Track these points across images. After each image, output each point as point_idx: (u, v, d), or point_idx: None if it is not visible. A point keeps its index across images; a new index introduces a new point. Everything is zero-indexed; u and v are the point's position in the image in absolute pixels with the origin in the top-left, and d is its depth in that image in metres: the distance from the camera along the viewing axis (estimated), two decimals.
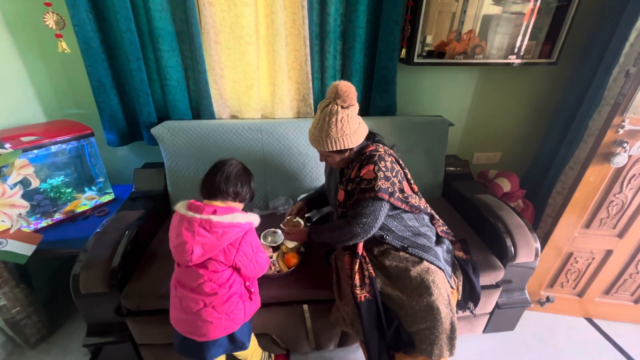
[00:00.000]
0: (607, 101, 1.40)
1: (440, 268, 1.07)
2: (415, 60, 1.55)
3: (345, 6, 1.45)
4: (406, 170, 1.16)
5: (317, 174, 1.59)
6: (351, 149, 1.08)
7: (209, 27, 1.38)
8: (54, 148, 1.29)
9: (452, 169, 1.75)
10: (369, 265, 1.11)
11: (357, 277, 1.08)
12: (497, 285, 1.30)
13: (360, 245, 1.13)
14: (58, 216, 1.36)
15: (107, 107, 1.45)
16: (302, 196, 1.56)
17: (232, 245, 0.89)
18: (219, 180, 0.92)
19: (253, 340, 1.12)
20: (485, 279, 1.25)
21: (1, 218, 1.02)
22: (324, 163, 1.53)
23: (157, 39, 1.37)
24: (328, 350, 1.33)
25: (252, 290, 0.99)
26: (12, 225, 1.06)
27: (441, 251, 1.16)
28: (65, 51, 1.27)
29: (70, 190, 1.41)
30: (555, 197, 1.57)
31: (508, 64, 1.65)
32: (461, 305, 1.22)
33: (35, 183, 1.11)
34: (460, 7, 1.57)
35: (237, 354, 1.08)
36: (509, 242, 1.25)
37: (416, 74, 1.69)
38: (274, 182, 1.57)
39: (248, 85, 1.54)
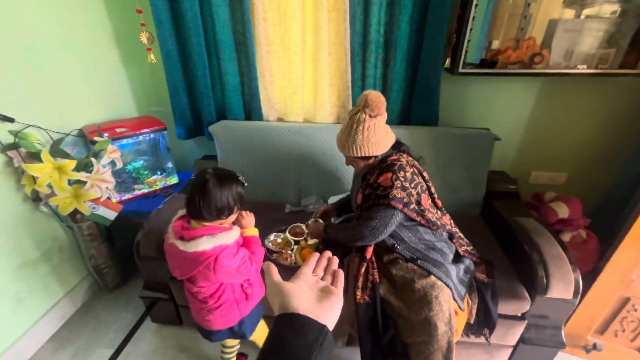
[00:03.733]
0: None
1: (447, 286, 1.05)
2: (460, 70, 1.49)
3: (389, 17, 1.47)
4: (430, 184, 1.15)
5: (348, 178, 1.65)
6: (375, 156, 1.12)
7: (261, 40, 1.55)
8: (138, 138, 1.63)
9: (496, 186, 1.62)
10: (375, 270, 1.14)
11: (360, 279, 1.12)
12: (522, 317, 1.19)
13: (370, 249, 1.17)
14: (136, 192, 1.70)
15: (179, 107, 1.75)
16: (332, 198, 1.64)
17: (207, 269, 0.90)
18: (200, 206, 0.90)
19: (262, 325, 1.22)
20: (506, 308, 1.16)
21: (94, 189, 1.35)
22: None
23: (219, 50, 1.60)
24: (336, 346, 1.39)
25: (249, 292, 1.06)
26: (101, 195, 1.39)
27: (455, 270, 1.13)
28: (152, 61, 1.59)
29: (147, 172, 1.76)
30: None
31: (579, 74, 1.46)
32: (475, 330, 1.17)
33: (119, 164, 1.44)
34: (520, 11, 1.44)
35: (252, 338, 1.19)
36: (541, 273, 1.14)
37: (463, 84, 1.62)
38: (307, 181, 1.68)
39: (293, 92, 1.68)
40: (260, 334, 1.22)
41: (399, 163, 1.07)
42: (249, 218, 1.07)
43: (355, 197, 1.25)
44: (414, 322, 1.02)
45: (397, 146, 1.19)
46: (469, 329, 1.16)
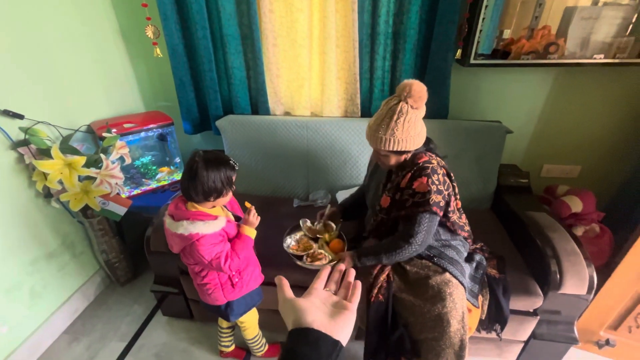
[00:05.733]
0: None
1: (462, 284, 1.04)
2: (472, 61, 1.45)
3: (399, 7, 1.44)
4: (455, 184, 1.09)
5: (356, 172, 1.64)
6: (409, 152, 1.04)
7: (267, 32, 1.53)
8: (145, 134, 1.63)
9: (507, 180, 1.59)
10: (388, 267, 1.13)
11: (375, 278, 1.11)
12: (534, 313, 1.18)
13: None
14: (145, 187, 1.71)
15: (185, 101, 1.74)
16: (340, 192, 1.64)
17: (184, 251, 0.97)
18: (188, 187, 0.93)
19: (253, 318, 1.24)
20: (518, 304, 1.15)
21: (104, 185, 1.36)
22: (364, 161, 1.56)
23: (225, 43, 1.58)
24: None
25: (236, 280, 1.07)
26: (111, 191, 1.40)
27: (469, 268, 1.12)
28: (159, 56, 1.58)
29: (155, 167, 1.76)
30: None
31: (596, 64, 1.41)
32: (486, 325, 1.16)
33: (127, 160, 1.44)
34: None
35: (238, 321, 1.21)
36: (554, 268, 1.12)
37: (474, 76, 1.58)
38: (315, 176, 1.67)
39: (300, 85, 1.66)
40: (248, 318, 1.21)
41: (431, 165, 1.01)
42: (254, 218, 1.06)
43: (375, 195, 1.18)
44: (426, 318, 1.01)
45: (427, 142, 1.12)
46: (480, 324, 1.15)
